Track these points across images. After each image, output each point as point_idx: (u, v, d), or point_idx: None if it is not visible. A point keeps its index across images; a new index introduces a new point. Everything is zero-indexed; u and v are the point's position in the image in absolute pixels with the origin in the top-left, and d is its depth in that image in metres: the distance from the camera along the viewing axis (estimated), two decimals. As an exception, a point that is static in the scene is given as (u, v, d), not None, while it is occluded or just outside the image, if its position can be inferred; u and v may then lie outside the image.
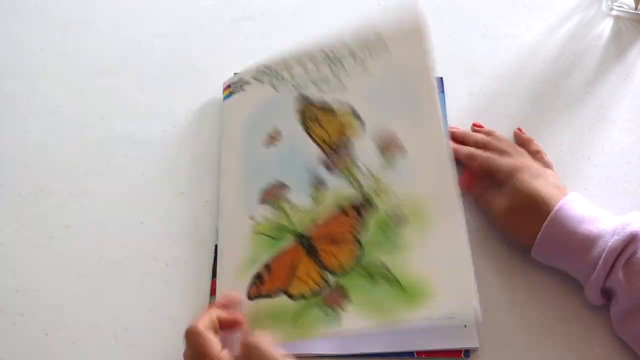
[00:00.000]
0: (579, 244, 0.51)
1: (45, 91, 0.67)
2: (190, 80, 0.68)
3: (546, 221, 0.51)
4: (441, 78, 0.68)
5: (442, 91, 0.67)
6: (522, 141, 0.62)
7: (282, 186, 0.57)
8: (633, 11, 0.73)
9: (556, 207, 0.52)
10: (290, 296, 0.52)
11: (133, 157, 0.63)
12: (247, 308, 0.52)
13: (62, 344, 0.54)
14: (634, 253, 0.49)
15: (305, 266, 0.53)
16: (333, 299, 0.51)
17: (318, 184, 0.56)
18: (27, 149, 0.64)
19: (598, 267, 0.49)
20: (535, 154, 0.60)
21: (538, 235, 0.52)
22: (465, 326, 0.52)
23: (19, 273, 0.57)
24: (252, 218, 0.56)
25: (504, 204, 0.55)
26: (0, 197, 0.61)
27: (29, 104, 0.66)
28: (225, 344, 0.47)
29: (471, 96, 0.68)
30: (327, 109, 0.59)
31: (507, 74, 0.69)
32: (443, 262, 0.50)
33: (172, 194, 0.61)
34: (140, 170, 0.63)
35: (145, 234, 0.59)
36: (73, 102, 0.67)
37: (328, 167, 0.57)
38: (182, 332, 0.54)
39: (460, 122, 0.65)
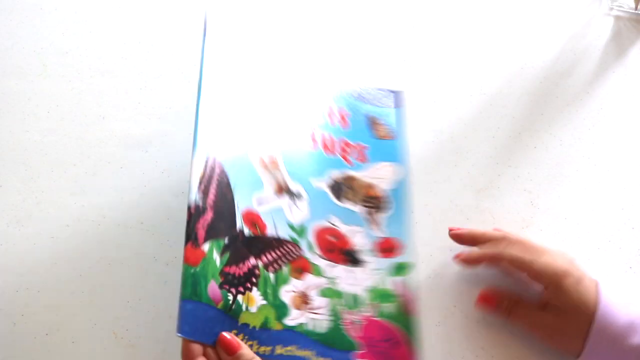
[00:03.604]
0: (632, 355, 0.47)
1: (45, 91, 0.67)
2: (190, 80, 0.68)
3: (592, 334, 0.48)
4: (400, 92, 0.64)
5: (401, 105, 0.64)
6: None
7: None
8: (633, 11, 0.73)
9: (599, 316, 0.48)
10: None
11: (133, 157, 0.63)
12: None
13: (62, 344, 0.54)
14: None
15: None
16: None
17: None
18: (27, 149, 0.64)
19: None
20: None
21: (585, 348, 0.49)
22: None
23: (19, 273, 0.57)
24: None
25: (548, 317, 0.51)
26: (0, 197, 0.61)
27: (29, 104, 0.66)
28: None
29: (471, 96, 0.68)
30: None
31: (507, 74, 0.69)
32: None
33: (172, 194, 0.61)
34: (140, 170, 0.63)
35: (145, 234, 0.59)
36: (73, 102, 0.67)
37: None
38: (182, 332, 0.54)
39: (460, 121, 0.66)
